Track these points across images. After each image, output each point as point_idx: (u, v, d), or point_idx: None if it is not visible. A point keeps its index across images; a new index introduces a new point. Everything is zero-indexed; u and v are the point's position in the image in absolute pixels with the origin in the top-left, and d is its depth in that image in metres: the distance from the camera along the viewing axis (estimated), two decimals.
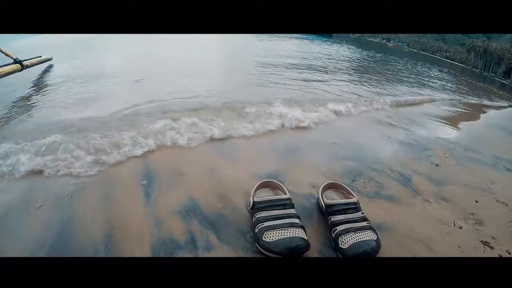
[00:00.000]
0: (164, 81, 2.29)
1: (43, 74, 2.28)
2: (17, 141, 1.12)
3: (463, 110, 2.73)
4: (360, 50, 7.24)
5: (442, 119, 2.28)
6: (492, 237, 0.91)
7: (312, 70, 3.44)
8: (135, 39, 4.15)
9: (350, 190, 0.93)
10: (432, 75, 5.11)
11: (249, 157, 1.23)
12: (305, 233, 0.76)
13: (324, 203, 0.86)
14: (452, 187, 1.18)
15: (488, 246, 0.87)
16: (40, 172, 1.00)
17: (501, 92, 4.76)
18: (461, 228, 0.94)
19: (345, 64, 4.37)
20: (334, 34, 10.30)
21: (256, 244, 0.75)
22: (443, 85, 4.22)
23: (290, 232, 0.74)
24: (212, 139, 1.32)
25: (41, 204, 0.85)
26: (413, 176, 1.22)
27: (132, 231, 0.78)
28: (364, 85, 3.04)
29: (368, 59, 5.83)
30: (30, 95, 1.78)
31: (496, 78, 6.93)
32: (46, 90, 1.89)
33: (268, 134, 1.47)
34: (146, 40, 4.20)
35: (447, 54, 10.49)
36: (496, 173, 1.39)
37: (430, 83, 4.05)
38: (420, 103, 2.70)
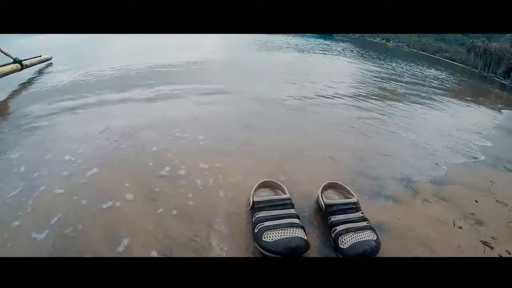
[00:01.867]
0: None
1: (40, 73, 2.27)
2: None
3: (462, 109, 2.74)
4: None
5: (441, 118, 2.28)
6: (492, 237, 0.91)
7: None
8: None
9: (350, 190, 0.93)
10: (432, 75, 5.11)
11: None
12: (305, 233, 0.76)
13: (324, 203, 0.86)
14: (452, 187, 1.18)
15: (488, 246, 0.87)
16: None
17: (500, 92, 4.77)
18: (461, 228, 0.94)
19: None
20: (334, 34, 10.30)
21: (256, 244, 0.75)
22: (442, 84, 4.22)
23: (289, 232, 0.74)
24: None
25: None
26: (413, 176, 1.22)
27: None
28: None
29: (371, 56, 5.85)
30: None
31: (496, 78, 6.93)
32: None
33: None
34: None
35: (447, 54, 10.49)
36: (496, 173, 1.39)
37: (429, 82, 4.05)
38: (418, 100, 2.71)
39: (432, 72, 5.56)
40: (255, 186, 0.92)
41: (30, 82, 2.04)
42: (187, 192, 0.96)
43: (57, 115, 1.48)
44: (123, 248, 0.73)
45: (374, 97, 2.57)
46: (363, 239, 0.75)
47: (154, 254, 0.72)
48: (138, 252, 0.72)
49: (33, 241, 0.74)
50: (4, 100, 1.67)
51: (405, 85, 3.44)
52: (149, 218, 0.83)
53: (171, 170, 1.06)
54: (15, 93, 1.81)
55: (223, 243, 0.78)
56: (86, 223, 0.80)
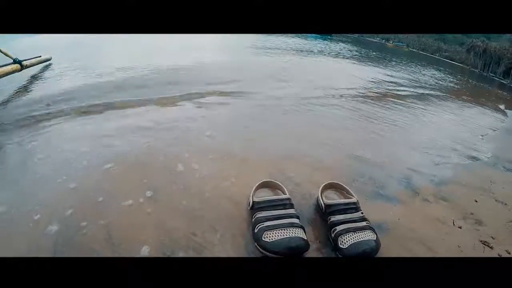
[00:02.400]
0: None
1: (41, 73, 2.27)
2: None
3: (461, 109, 2.74)
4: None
5: (440, 117, 2.28)
6: (492, 237, 0.91)
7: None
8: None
9: (350, 190, 0.93)
10: (431, 74, 5.11)
11: None
12: (305, 233, 0.76)
13: (324, 203, 0.86)
14: (452, 187, 1.19)
15: (487, 245, 0.87)
16: None
17: (500, 92, 4.76)
18: (460, 227, 0.94)
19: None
20: (333, 34, 10.29)
21: (256, 244, 0.75)
22: (442, 84, 4.22)
23: (289, 232, 0.74)
24: None
25: None
26: (413, 176, 1.22)
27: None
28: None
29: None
30: None
31: (496, 78, 6.93)
32: None
33: None
34: None
35: (447, 54, 10.47)
36: (496, 173, 1.39)
37: (428, 82, 4.05)
38: (418, 100, 2.71)
39: (431, 71, 5.56)
40: (255, 187, 0.92)
41: (31, 82, 2.04)
42: (186, 191, 0.96)
43: (62, 115, 1.49)
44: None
45: (373, 97, 2.57)
46: (363, 239, 0.75)
47: (153, 253, 0.72)
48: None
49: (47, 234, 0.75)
50: (6, 100, 1.67)
51: (404, 85, 3.44)
52: (147, 216, 0.83)
53: (171, 169, 1.07)
54: (17, 93, 1.81)
55: (223, 243, 0.78)
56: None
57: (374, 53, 7.08)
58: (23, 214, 0.81)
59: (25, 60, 2.11)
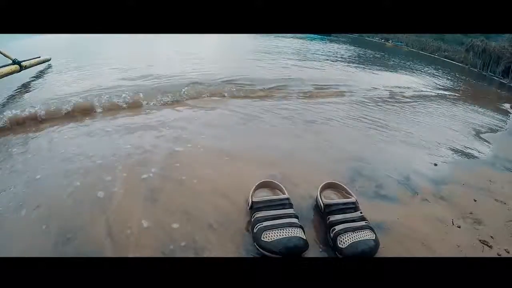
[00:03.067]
0: None
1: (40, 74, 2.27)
2: None
3: (460, 108, 2.74)
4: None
5: (440, 117, 2.29)
6: (491, 236, 0.91)
7: None
8: None
9: (349, 190, 0.93)
10: (430, 74, 5.11)
11: None
12: (304, 232, 0.76)
13: (323, 203, 0.86)
14: (451, 187, 1.19)
15: (486, 245, 0.87)
16: None
17: (499, 91, 4.77)
18: (459, 227, 0.94)
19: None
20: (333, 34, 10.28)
21: (255, 244, 0.76)
22: (441, 82, 4.22)
23: (288, 232, 0.74)
24: None
25: None
26: (412, 176, 1.22)
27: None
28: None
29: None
30: None
31: (495, 77, 6.94)
32: None
33: None
34: None
35: (446, 53, 10.48)
36: (495, 172, 1.40)
37: (428, 82, 4.05)
38: (417, 100, 2.72)
39: (430, 71, 5.57)
40: (254, 186, 0.92)
41: (30, 82, 2.04)
42: (185, 192, 0.96)
43: (66, 114, 1.50)
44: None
45: (373, 97, 2.57)
46: (362, 238, 0.75)
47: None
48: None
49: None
50: (7, 101, 1.67)
51: (403, 85, 3.44)
52: (147, 216, 0.83)
53: (170, 168, 1.07)
54: (19, 93, 1.81)
55: (222, 243, 0.78)
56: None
57: (372, 52, 7.08)
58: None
59: (25, 60, 2.11)
